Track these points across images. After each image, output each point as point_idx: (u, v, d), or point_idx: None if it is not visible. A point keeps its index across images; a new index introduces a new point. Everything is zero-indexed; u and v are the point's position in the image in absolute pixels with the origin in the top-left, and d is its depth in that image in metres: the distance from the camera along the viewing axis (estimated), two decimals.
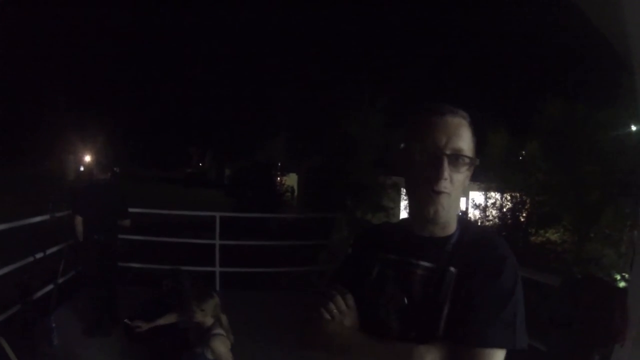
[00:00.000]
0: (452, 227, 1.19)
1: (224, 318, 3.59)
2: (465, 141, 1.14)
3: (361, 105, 10.97)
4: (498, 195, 10.84)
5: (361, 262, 1.27)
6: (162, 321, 3.86)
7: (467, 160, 1.13)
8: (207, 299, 3.41)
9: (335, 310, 1.17)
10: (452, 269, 1.12)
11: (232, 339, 3.56)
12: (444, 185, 1.11)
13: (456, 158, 1.12)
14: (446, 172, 1.11)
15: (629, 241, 6.95)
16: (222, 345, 3.35)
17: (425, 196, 1.12)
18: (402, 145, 1.20)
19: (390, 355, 1.09)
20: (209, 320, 3.40)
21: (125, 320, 3.85)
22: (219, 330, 3.39)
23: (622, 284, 5.99)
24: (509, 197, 10.36)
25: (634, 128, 7.13)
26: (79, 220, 4.69)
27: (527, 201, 9.96)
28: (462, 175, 1.14)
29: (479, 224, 10.81)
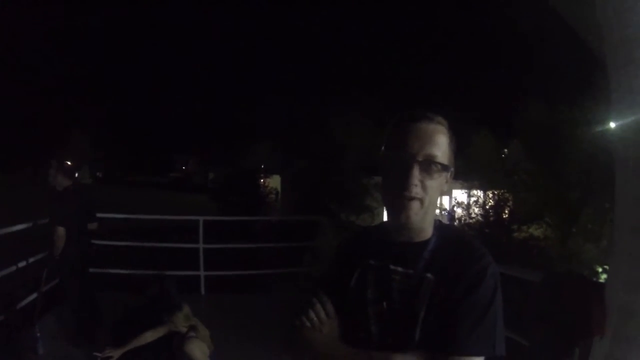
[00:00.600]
0: (428, 232, 1.19)
1: (200, 327, 3.62)
2: (439, 147, 1.14)
3: (345, 109, 11.04)
4: (481, 193, 10.94)
5: (344, 267, 1.28)
6: (136, 342, 3.62)
7: (439, 166, 1.13)
8: (176, 311, 3.45)
9: (315, 319, 1.18)
10: (429, 275, 1.13)
11: (211, 346, 3.58)
12: (415, 191, 1.12)
13: (428, 164, 1.12)
14: (416, 178, 1.11)
15: (610, 236, 7.09)
16: (195, 349, 3.38)
17: (397, 202, 1.13)
18: (381, 152, 1.20)
19: None
20: (182, 330, 3.42)
21: (95, 354, 3.66)
22: (191, 334, 3.42)
23: (603, 277, 6.10)
24: (491, 195, 10.46)
25: (612, 125, 7.24)
26: (62, 231, 4.36)
27: (510, 198, 10.07)
28: (435, 181, 1.14)
29: (462, 221, 10.91)
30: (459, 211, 11.20)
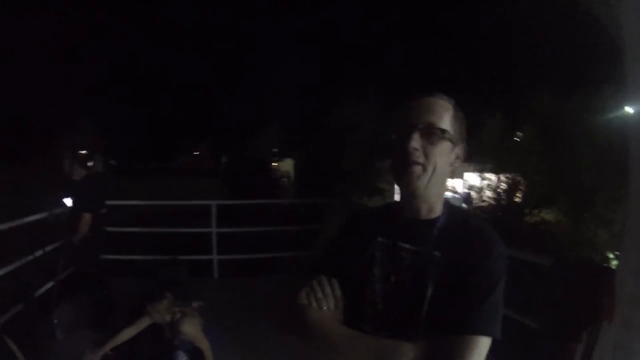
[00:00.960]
0: (437, 209, 1.20)
1: (191, 309, 3.65)
2: (439, 117, 1.16)
3: (354, 93, 10.95)
4: (493, 177, 10.84)
5: (350, 245, 1.29)
6: (116, 340, 3.54)
7: (439, 132, 1.15)
8: (160, 300, 3.49)
9: (321, 297, 1.19)
10: (437, 252, 1.14)
11: (202, 322, 3.64)
12: (416, 155, 1.13)
13: (428, 130, 1.14)
14: (415, 142, 1.13)
15: (623, 221, 7.02)
16: (189, 326, 3.43)
17: (400, 169, 1.15)
18: (389, 127, 1.22)
19: (370, 349, 1.09)
20: (169, 317, 3.46)
21: None
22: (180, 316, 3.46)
23: (614, 263, 6.06)
24: (504, 179, 10.36)
25: (627, 109, 7.15)
26: (88, 217, 4.55)
27: (522, 182, 9.98)
28: (437, 148, 1.15)
29: (474, 204, 10.85)
30: (471, 194, 11.15)
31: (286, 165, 20.09)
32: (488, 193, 10.84)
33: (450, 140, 1.16)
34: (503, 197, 10.30)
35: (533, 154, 8.99)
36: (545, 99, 8.82)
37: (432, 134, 1.14)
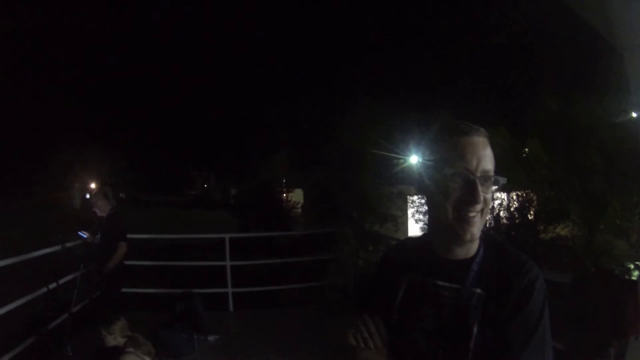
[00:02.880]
0: (476, 246, 1.18)
1: (141, 339, 3.64)
2: (491, 161, 1.14)
3: (361, 115, 11.01)
4: (504, 195, 10.77)
5: (387, 284, 1.27)
6: None
7: (494, 180, 1.13)
8: (114, 321, 3.51)
9: (366, 336, 1.18)
10: (478, 290, 1.12)
11: (152, 353, 3.61)
12: (479, 207, 1.11)
13: (485, 180, 1.12)
14: (482, 195, 1.11)
15: (639, 230, 6.93)
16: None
17: (460, 220, 1.12)
18: (424, 164, 1.20)
19: None
20: (120, 341, 3.47)
21: None
22: (129, 349, 3.46)
23: (636, 273, 5.96)
24: (515, 196, 10.29)
25: (634, 115, 7.13)
26: (125, 247, 4.95)
27: (534, 198, 9.90)
28: (490, 194, 1.14)
29: (488, 225, 10.75)
30: None
31: (296, 196, 20.08)
32: (501, 213, 10.75)
33: (497, 183, 1.15)
34: (516, 215, 10.22)
35: (542, 168, 8.94)
36: (550, 109, 8.80)
37: (488, 180, 1.13)
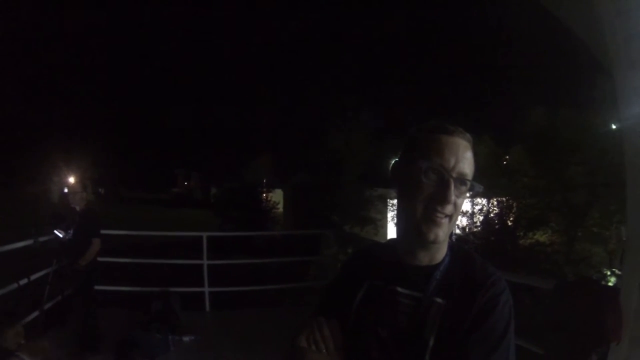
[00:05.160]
0: (442, 253, 1.14)
1: (34, 346, 3.54)
2: (470, 166, 1.09)
3: (345, 120, 11.04)
4: (485, 201, 10.88)
5: (348, 286, 1.22)
6: None
7: (469, 185, 1.09)
8: (6, 327, 3.41)
9: (318, 339, 1.12)
10: (439, 299, 1.07)
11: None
12: (450, 209, 1.07)
13: (461, 182, 1.07)
14: (453, 196, 1.06)
15: (617, 238, 7.06)
16: None
17: (427, 219, 1.07)
18: (402, 162, 1.15)
19: None
20: (12, 347, 3.36)
21: None
22: (22, 356, 3.35)
23: (612, 280, 6.05)
24: (495, 203, 10.41)
25: (619, 127, 7.27)
26: (99, 243, 4.82)
27: (514, 205, 10.02)
28: (462, 199, 1.09)
29: (467, 230, 10.85)
30: (463, 220, 11.13)
31: (276, 197, 20.06)
32: (480, 218, 10.86)
33: (473, 189, 1.10)
34: (496, 221, 10.33)
35: (523, 176, 9.06)
36: (534, 121, 8.94)
37: (463, 184, 1.08)
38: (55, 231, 4.83)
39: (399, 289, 1.12)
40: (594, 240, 7.39)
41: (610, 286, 3.31)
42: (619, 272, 6.22)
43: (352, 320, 1.16)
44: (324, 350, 1.11)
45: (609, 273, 6.47)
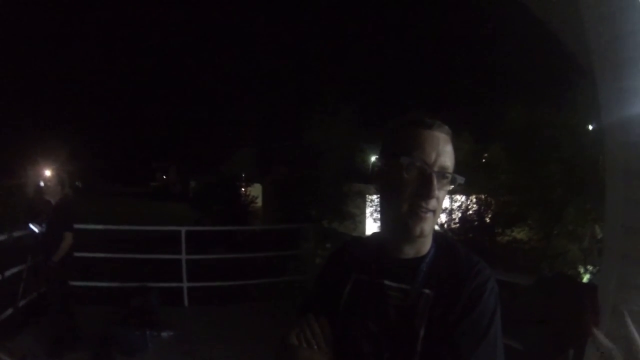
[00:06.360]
0: (427, 245, 1.15)
1: (14, 344, 3.51)
2: (451, 159, 1.10)
3: (324, 115, 11.01)
4: (463, 198, 10.98)
5: (334, 282, 1.22)
6: None
7: (451, 178, 1.10)
8: None
9: (308, 336, 1.12)
10: (427, 291, 1.08)
11: None
12: (433, 203, 1.07)
13: (442, 176, 1.08)
14: (436, 190, 1.07)
15: (591, 236, 7.22)
16: None
17: (412, 214, 1.08)
18: (384, 157, 1.15)
19: None
20: None
21: None
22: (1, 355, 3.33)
23: (586, 277, 6.18)
24: (474, 199, 10.51)
25: (591, 127, 7.38)
26: (71, 237, 4.56)
27: (492, 202, 10.13)
28: (444, 192, 1.10)
29: (446, 227, 10.95)
30: (442, 217, 11.21)
31: (255, 191, 19.96)
32: (459, 214, 10.96)
33: (454, 182, 1.11)
34: (474, 218, 10.43)
35: (502, 173, 9.16)
36: (513, 118, 9.03)
37: (445, 180, 1.09)
38: (31, 225, 4.69)
39: (387, 282, 1.12)
40: (570, 237, 7.53)
41: (588, 283, 3.38)
42: (593, 270, 6.35)
43: (340, 315, 1.15)
44: (315, 347, 1.11)
45: (582, 270, 6.61)
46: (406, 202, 1.07)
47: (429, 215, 1.07)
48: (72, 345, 4.47)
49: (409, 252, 1.13)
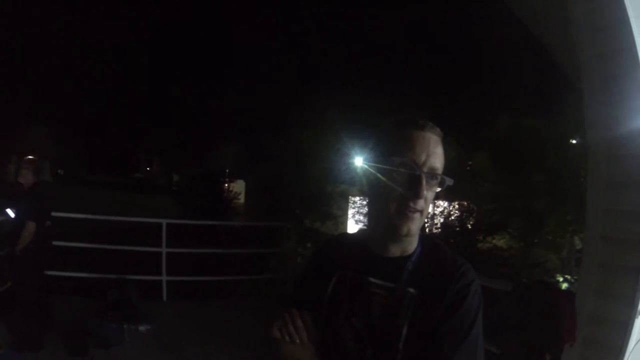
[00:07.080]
0: (413, 245, 1.15)
1: None
2: (440, 160, 1.10)
3: (310, 114, 10.99)
4: (446, 204, 11.07)
5: (320, 277, 1.22)
6: None
7: (440, 179, 1.10)
8: None
9: (291, 330, 1.13)
10: (412, 290, 1.09)
11: None
12: (421, 204, 1.08)
13: (432, 177, 1.09)
14: (425, 191, 1.07)
15: (570, 246, 7.35)
16: None
17: (400, 214, 1.08)
18: (378, 157, 1.14)
19: None
20: None
21: None
22: None
23: (564, 285, 6.28)
24: (457, 206, 10.60)
25: (573, 141, 7.49)
26: (33, 227, 4.21)
27: (475, 209, 10.23)
28: (432, 193, 1.11)
29: (428, 232, 11.05)
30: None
31: (238, 187, 19.82)
32: (441, 220, 11.04)
33: (443, 184, 1.12)
34: (456, 224, 10.52)
35: (485, 181, 9.23)
36: (499, 127, 9.12)
37: (434, 181, 1.10)
38: (7, 210, 4.52)
39: (372, 279, 1.13)
40: (549, 247, 7.64)
41: (566, 290, 3.43)
42: (571, 279, 6.46)
43: (325, 310, 1.16)
44: (298, 341, 1.11)
45: (561, 279, 6.71)
46: (394, 202, 1.08)
47: (417, 215, 1.08)
48: (43, 337, 4.30)
49: (395, 251, 1.14)
